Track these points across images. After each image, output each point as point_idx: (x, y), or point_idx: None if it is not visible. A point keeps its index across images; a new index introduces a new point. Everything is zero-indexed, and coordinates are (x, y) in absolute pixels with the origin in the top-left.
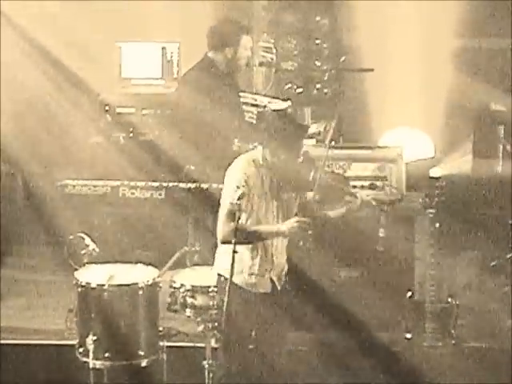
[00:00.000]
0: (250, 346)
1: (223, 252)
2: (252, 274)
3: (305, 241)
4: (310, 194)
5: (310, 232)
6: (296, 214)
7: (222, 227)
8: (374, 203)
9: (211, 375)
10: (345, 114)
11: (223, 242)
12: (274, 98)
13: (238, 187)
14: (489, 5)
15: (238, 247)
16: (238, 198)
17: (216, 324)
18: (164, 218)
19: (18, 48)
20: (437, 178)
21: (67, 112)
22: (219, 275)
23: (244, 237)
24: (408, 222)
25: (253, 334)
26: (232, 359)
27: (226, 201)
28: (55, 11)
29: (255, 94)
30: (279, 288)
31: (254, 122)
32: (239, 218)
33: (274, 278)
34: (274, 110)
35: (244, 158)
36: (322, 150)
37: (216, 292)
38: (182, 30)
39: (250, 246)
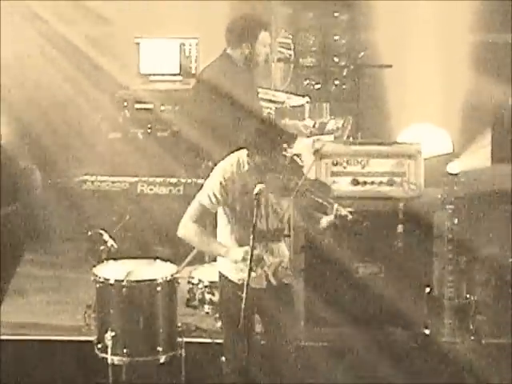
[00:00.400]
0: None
1: None
2: (241, 271)
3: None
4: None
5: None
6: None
7: (184, 223)
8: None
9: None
10: (363, 110)
11: (180, 237)
12: (292, 94)
13: (212, 190)
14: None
15: (229, 243)
16: (209, 201)
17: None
18: (182, 214)
19: (37, 44)
20: (455, 174)
21: (86, 108)
22: (219, 273)
23: (192, 242)
24: (426, 218)
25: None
26: (230, 355)
27: (198, 198)
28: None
29: (274, 90)
30: (275, 283)
31: (273, 117)
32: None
33: (269, 274)
34: (293, 106)
35: (228, 160)
36: (340, 146)
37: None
38: (200, 26)
39: (241, 243)
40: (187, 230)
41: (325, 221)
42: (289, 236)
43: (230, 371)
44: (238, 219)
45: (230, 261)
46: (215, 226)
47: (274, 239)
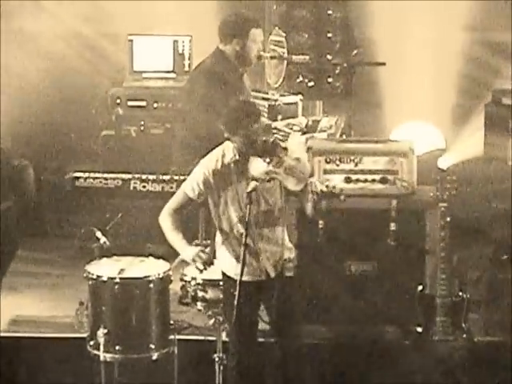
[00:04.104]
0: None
1: (221, 249)
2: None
3: None
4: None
5: None
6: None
7: (165, 208)
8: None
9: (222, 368)
10: (356, 107)
11: (159, 221)
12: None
13: (196, 181)
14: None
15: (221, 238)
16: (193, 192)
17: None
18: None
19: (29, 41)
20: (448, 172)
21: (79, 105)
22: (223, 273)
23: (165, 232)
24: (419, 216)
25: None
26: (234, 351)
27: (183, 187)
28: (67, 4)
29: (266, 91)
30: (273, 275)
31: (266, 115)
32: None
33: (267, 266)
34: (286, 104)
35: (212, 152)
36: (332, 143)
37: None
38: (193, 23)
39: (233, 236)
40: (164, 218)
41: (309, 205)
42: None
43: (232, 369)
44: (222, 211)
45: (182, 258)
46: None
47: (269, 225)
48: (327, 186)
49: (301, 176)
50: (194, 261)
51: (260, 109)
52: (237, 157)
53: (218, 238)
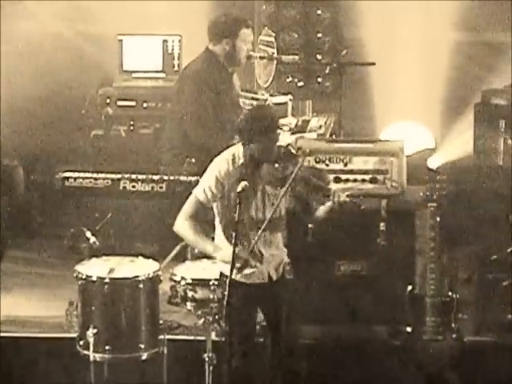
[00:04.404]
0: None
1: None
2: (243, 267)
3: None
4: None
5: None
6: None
7: (179, 217)
8: (349, 201)
9: (211, 368)
10: (346, 107)
11: (175, 231)
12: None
13: (208, 185)
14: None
15: (226, 242)
16: (205, 196)
17: (217, 317)
18: (165, 211)
19: (18, 40)
20: (437, 172)
21: (69, 105)
22: (220, 273)
23: (185, 237)
24: (409, 216)
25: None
26: (234, 353)
27: (194, 193)
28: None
29: (256, 90)
30: (275, 279)
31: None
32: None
33: (270, 269)
34: (275, 104)
35: (223, 154)
36: (322, 143)
37: (218, 288)
38: (183, 23)
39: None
40: (181, 225)
41: (322, 208)
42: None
43: (230, 370)
44: (229, 214)
45: (218, 260)
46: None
47: (272, 230)
48: (348, 196)
49: (320, 185)
50: (225, 260)
51: (277, 115)
52: (249, 161)
53: (219, 239)
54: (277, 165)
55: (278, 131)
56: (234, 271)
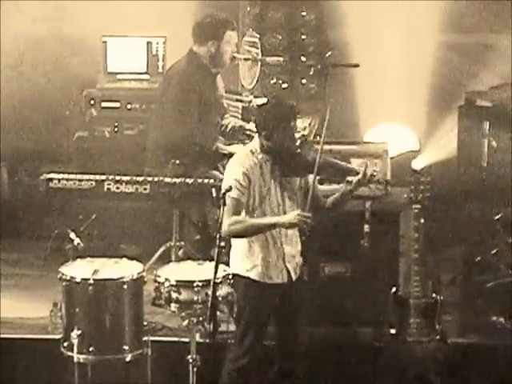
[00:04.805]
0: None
1: (237, 251)
2: (265, 266)
3: (303, 234)
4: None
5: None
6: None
7: (224, 221)
8: (378, 179)
9: (195, 370)
10: (330, 109)
11: (225, 235)
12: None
13: (236, 180)
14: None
15: (247, 241)
16: (238, 191)
17: (201, 319)
18: (149, 212)
19: (2, 41)
20: (422, 174)
21: (53, 106)
22: (233, 274)
23: (243, 230)
24: (393, 218)
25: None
26: (247, 353)
27: (229, 194)
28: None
29: (240, 92)
30: (294, 279)
31: (240, 116)
32: (239, 213)
33: (289, 268)
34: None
35: (241, 151)
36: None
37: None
38: (167, 24)
39: (260, 238)
40: (232, 224)
41: (331, 199)
42: None
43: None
44: (254, 209)
45: (284, 227)
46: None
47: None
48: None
49: (345, 165)
50: (298, 222)
51: (296, 108)
52: (268, 154)
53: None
54: (299, 151)
55: (292, 122)
56: (254, 270)
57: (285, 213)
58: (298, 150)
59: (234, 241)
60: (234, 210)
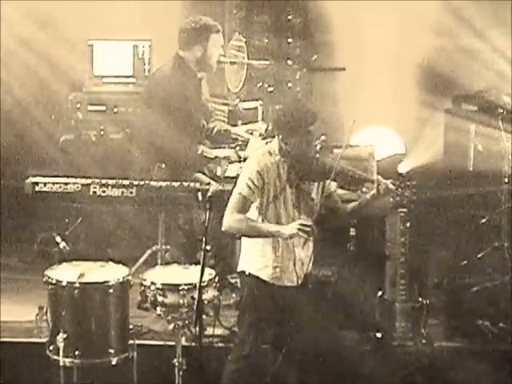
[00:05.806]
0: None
1: (249, 250)
2: (277, 267)
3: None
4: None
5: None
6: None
7: (227, 216)
8: (391, 189)
9: (181, 373)
10: (316, 112)
11: (225, 230)
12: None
13: (249, 179)
14: (464, 5)
15: (259, 241)
16: (249, 190)
17: (186, 322)
18: (135, 216)
19: None
20: (407, 177)
21: (39, 110)
22: (243, 272)
23: (243, 230)
24: (379, 221)
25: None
26: (250, 353)
27: (237, 191)
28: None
29: (227, 96)
30: (300, 282)
31: (226, 120)
32: (245, 211)
33: (298, 271)
34: (245, 109)
35: (260, 151)
36: None
37: (239, 289)
38: (153, 28)
39: (273, 239)
40: (232, 221)
41: (351, 205)
42: None
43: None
44: (267, 210)
45: (283, 238)
46: None
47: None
48: (393, 184)
49: (363, 175)
50: (298, 232)
51: (314, 111)
52: (286, 157)
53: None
54: (317, 156)
55: (311, 127)
56: (265, 270)
57: (300, 216)
58: (317, 155)
59: (245, 239)
60: (240, 208)
